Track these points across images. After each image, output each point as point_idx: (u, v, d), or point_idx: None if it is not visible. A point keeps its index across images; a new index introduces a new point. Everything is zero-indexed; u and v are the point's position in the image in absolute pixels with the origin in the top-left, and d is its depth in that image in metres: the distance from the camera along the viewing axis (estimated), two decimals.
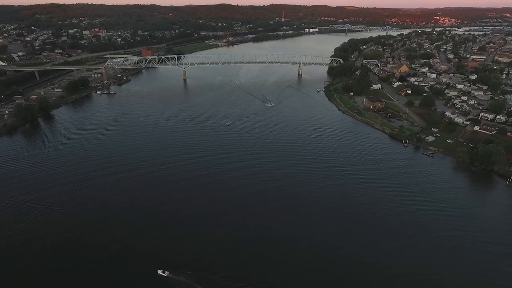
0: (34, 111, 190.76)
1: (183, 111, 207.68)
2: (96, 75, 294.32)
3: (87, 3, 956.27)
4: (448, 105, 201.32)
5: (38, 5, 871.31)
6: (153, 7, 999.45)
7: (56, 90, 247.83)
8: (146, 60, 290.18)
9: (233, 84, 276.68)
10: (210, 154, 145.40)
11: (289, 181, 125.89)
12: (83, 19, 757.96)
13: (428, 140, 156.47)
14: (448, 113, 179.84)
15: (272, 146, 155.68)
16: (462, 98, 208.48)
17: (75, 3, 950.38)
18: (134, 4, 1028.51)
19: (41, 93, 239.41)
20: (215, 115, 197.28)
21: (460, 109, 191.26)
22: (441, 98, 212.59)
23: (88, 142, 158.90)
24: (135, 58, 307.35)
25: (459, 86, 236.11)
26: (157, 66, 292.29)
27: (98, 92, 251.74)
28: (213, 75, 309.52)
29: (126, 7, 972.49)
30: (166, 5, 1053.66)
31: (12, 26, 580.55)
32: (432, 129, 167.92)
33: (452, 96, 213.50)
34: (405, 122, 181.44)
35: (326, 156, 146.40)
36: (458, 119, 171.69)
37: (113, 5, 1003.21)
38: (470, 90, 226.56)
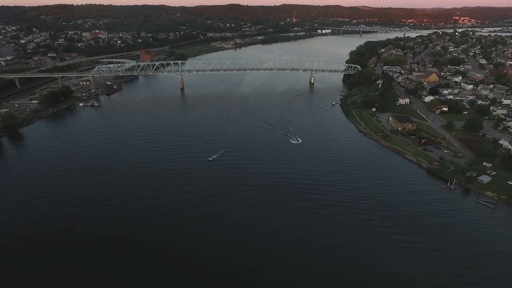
0: None
1: (171, 131, 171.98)
2: (84, 83, 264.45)
3: (94, 4, 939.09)
4: (499, 128, 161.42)
5: (46, 6, 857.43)
6: (161, 8, 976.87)
7: (33, 101, 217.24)
8: (139, 66, 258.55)
9: (235, 96, 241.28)
10: (196, 195, 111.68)
11: (294, 236, 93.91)
12: (88, 20, 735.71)
13: (482, 181, 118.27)
14: (504, 142, 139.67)
15: (272, 180, 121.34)
16: None
17: (83, 3, 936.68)
18: (143, 5, 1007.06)
19: (15, 105, 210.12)
20: (209, 138, 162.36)
21: None
22: (486, 118, 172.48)
23: (46, 171, 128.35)
24: (127, 65, 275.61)
25: (505, 102, 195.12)
26: (151, 73, 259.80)
27: (81, 104, 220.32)
28: (213, 83, 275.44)
29: (134, 7, 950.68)
30: (176, 6, 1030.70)
31: (13, 28, 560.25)
32: (484, 163, 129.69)
33: (501, 116, 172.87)
34: (445, 151, 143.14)
35: (346, 199, 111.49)
36: None
37: (121, 5, 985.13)
38: None
